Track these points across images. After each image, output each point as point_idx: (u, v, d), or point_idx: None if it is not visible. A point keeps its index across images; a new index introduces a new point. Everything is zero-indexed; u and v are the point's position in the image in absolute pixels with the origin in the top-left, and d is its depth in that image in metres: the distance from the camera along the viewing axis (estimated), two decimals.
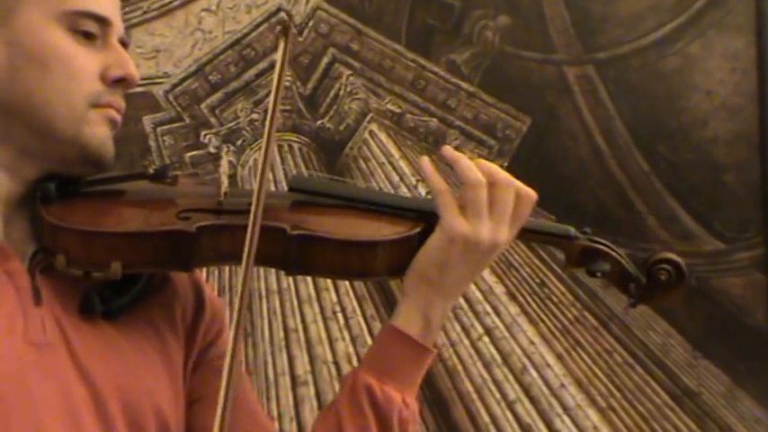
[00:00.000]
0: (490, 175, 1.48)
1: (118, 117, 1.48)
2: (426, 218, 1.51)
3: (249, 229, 1.36)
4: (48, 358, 1.37)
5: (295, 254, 1.45)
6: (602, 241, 1.58)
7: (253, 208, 1.37)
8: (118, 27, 1.49)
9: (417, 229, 1.50)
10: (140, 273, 1.47)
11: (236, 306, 1.35)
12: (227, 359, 1.30)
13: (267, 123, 1.43)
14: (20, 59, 1.42)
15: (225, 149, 2.85)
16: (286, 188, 1.56)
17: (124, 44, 1.50)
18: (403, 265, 1.50)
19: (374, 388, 1.46)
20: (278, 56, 1.46)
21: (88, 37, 1.45)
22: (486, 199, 1.47)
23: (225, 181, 1.51)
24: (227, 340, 1.56)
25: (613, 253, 1.58)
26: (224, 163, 1.53)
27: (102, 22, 1.46)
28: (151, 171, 1.50)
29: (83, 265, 1.41)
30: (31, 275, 1.42)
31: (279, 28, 1.48)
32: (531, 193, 1.50)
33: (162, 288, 1.53)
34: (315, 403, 2.81)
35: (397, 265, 1.49)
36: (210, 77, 2.92)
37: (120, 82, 1.47)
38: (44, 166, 1.45)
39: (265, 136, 1.43)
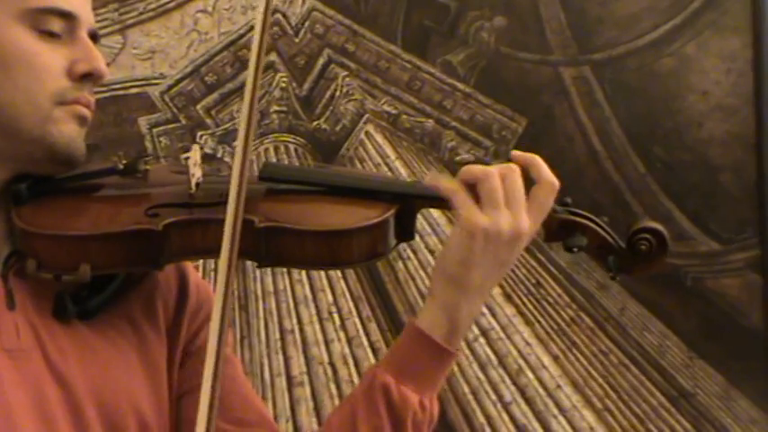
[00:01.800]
0: (496, 167, 1.46)
1: (87, 112, 1.45)
2: (400, 199, 1.49)
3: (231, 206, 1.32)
4: (22, 364, 1.36)
5: (264, 246, 1.43)
6: (583, 213, 1.53)
7: (233, 191, 1.34)
8: (86, 20, 1.46)
9: (390, 212, 1.47)
10: (111, 273, 1.45)
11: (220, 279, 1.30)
12: (212, 344, 1.28)
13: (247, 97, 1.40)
14: None
15: (220, 150, 2.85)
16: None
17: (95, 36, 1.48)
18: (378, 251, 1.47)
19: (391, 388, 1.44)
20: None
21: (53, 34, 1.42)
22: (501, 188, 1.44)
23: (197, 172, 1.48)
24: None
25: (593, 225, 1.53)
26: (194, 153, 1.49)
27: (67, 17, 1.43)
28: (121, 166, 1.47)
29: (52, 269, 1.40)
30: (4, 279, 1.40)
31: None
32: (553, 181, 1.47)
33: (143, 281, 1.51)
34: (311, 404, 2.81)
35: (372, 251, 1.47)
36: (206, 78, 2.92)
37: (88, 77, 1.44)
38: (14, 166, 1.43)
39: (245, 109, 1.39)
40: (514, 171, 1.46)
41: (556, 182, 1.48)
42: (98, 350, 1.43)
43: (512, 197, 1.44)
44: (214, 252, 1.34)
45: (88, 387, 1.40)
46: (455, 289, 1.45)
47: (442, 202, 1.50)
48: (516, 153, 1.49)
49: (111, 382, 1.42)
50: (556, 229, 1.52)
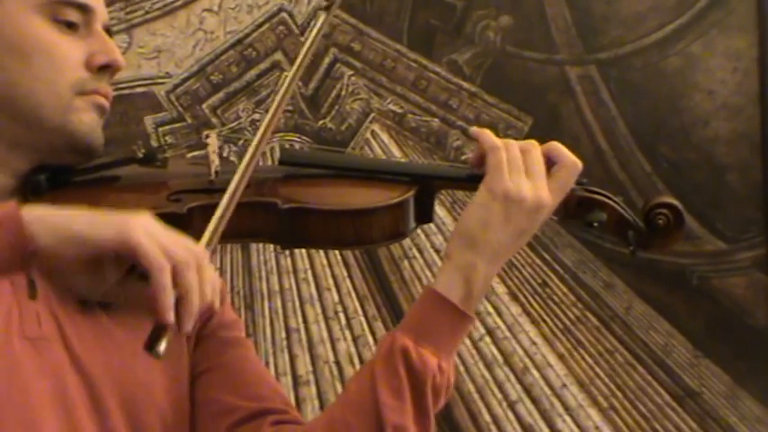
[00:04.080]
0: (515, 141, 1.49)
1: (105, 103, 1.47)
2: (419, 181, 1.51)
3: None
4: (43, 352, 1.37)
5: (288, 227, 1.44)
6: (600, 191, 1.55)
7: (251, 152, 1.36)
8: (101, 13, 1.48)
9: (410, 193, 1.49)
10: None
11: None
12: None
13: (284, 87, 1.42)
14: (2, 52, 1.42)
15: (226, 150, 2.85)
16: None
17: (108, 31, 1.50)
18: (399, 231, 1.49)
19: (410, 351, 1.44)
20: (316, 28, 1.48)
21: (70, 26, 1.45)
22: (522, 158, 1.46)
23: (215, 159, 1.49)
24: (230, 312, 1.60)
25: (611, 202, 1.54)
26: (212, 141, 1.50)
27: (85, 9, 1.46)
28: (140, 155, 1.49)
29: None
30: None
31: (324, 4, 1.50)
32: (576, 161, 1.50)
33: None
34: (316, 403, 2.81)
35: (393, 230, 1.49)
36: (212, 78, 2.92)
37: (106, 68, 1.46)
38: (34, 157, 1.45)
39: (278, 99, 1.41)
40: (536, 146, 1.49)
41: (579, 162, 1.50)
42: (119, 341, 1.44)
43: (533, 169, 1.46)
44: (234, 237, 1.35)
45: (109, 376, 1.41)
46: (472, 250, 1.46)
47: (460, 182, 1.54)
48: (534, 143, 1.51)
49: (131, 373, 1.43)
50: (574, 207, 1.53)
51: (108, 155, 1.49)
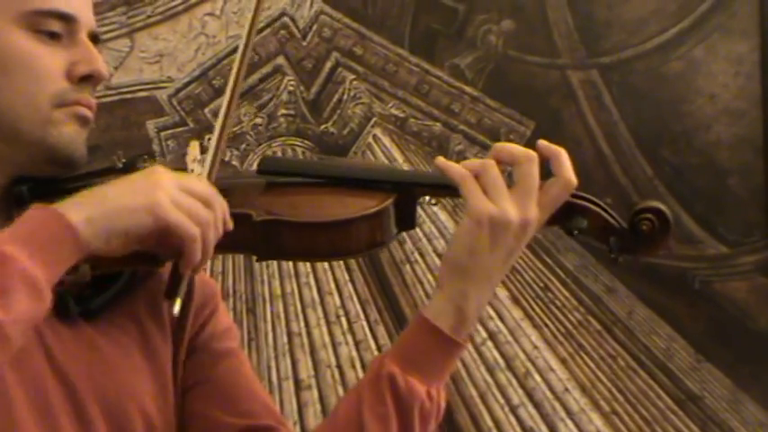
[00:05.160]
0: (510, 154, 1.44)
1: (88, 113, 1.44)
2: (399, 187, 1.49)
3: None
4: (24, 363, 1.34)
5: (263, 239, 1.44)
6: (583, 195, 1.50)
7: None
8: (86, 22, 1.45)
9: (389, 202, 1.47)
10: (113, 272, 1.45)
11: None
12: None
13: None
14: None
15: (227, 154, 2.85)
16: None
17: (95, 38, 1.47)
18: (378, 240, 1.47)
19: (397, 378, 1.43)
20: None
21: (53, 36, 1.42)
22: (501, 178, 1.43)
23: (195, 168, 1.47)
24: (223, 320, 1.57)
25: (593, 206, 1.49)
26: (192, 149, 1.49)
27: (67, 19, 1.42)
28: (120, 165, 1.47)
29: None
30: None
31: None
32: (571, 179, 1.45)
33: (146, 280, 1.50)
34: (318, 407, 2.81)
35: (371, 240, 1.47)
36: (214, 82, 2.93)
37: (88, 79, 1.43)
38: (14, 170, 1.42)
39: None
40: (532, 159, 1.44)
41: (574, 180, 1.46)
42: (102, 350, 1.43)
43: (524, 184, 1.43)
44: (216, 249, 1.35)
45: (92, 386, 1.40)
46: (462, 278, 1.44)
47: (440, 189, 1.50)
48: (543, 143, 1.48)
49: (115, 381, 1.42)
50: (554, 213, 1.48)
51: (91, 164, 1.48)
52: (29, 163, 1.43)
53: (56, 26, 1.42)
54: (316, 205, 1.47)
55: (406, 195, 1.49)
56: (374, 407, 1.43)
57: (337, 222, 1.45)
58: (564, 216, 1.49)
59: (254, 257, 1.50)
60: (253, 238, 1.43)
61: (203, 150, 1.47)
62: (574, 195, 1.49)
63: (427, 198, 1.53)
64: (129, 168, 1.46)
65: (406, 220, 1.52)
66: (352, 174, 1.52)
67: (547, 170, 1.46)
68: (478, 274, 1.44)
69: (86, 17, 1.46)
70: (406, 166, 2.90)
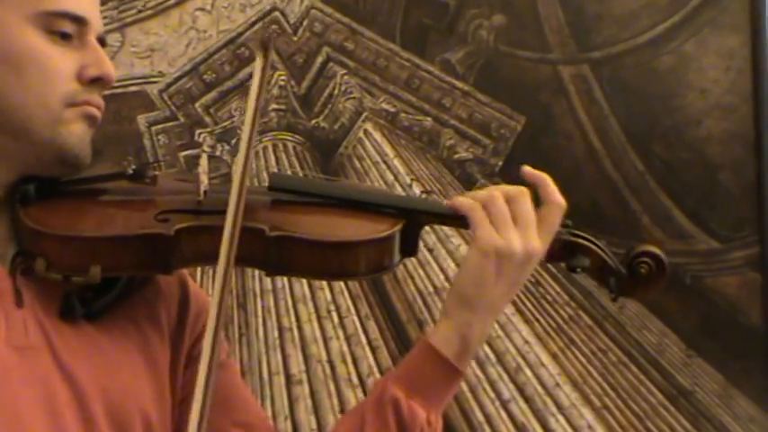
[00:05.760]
0: (504, 193, 1.49)
1: (97, 113, 1.46)
2: (407, 214, 1.51)
3: (227, 231, 1.34)
4: (30, 361, 1.37)
5: (274, 255, 1.44)
6: (584, 235, 1.56)
7: (231, 212, 1.35)
8: (96, 25, 1.47)
9: (398, 227, 1.49)
10: (119, 275, 1.46)
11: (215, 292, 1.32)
12: (205, 355, 1.29)
13: (244, 141, 1.41)
14: None
15: (219, 148, 2.85)
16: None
17: (102, 42, 1.49)
18: (385, 265, 1.50)
19: (401, 402, 1.47)
20: (255, 73, 1.43)
21: (64, 37, 1.43)
22: (507, 209, 1.48)
23: (204, 180, 1.50)
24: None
25: (594, 247, 1.56)
26: (203, 161, 1.51)
27: (79, 21, 1.44)
28: (130, 171, 1.48)
29: (62, 270, 1.41)
30: (12, 277, 1.41)
31: (266, 35, 1.48)
32: (561, 202, 1.52)
33: (145, 286, 1.52)
34: (309, 402, 2.81)
35: (378, 264, 1.49)
36: (205, 76, 2.92)
37: (97, 81, 1.45)
38: (21, 168, 1.44)
39: (243, 149, 1.40)
40: (524, 194, 1.50)
41: (563, 203, 1.53)
42: (105, 350, 1.44)
43: (523, 219, 1.48)
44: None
45: (96, 385, 1.41)
46: (468, 309, 1.49)
47: (447, 219, 1.54)
48: (527, 169, 1.54)
49: (118, 381, 1.44)
50: (558, 250, 1.55)
51: (98, 167, 1.48)
52: (36, 162, 1.44)
53: (68, 27, 1.44)
54: (327, 225, 1.48)
55: (413, 222, 1.52)
56: (377, 429, 1.47)
57: (350, 243, 1.47)
58: (566, 254, 1.55)
59: (264, 272, 1.50)
60: (263, 253, 1.44)
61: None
62: (575, 234, 1.56)
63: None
64: (139, 175, 1.48)
65: (410, 248, 1.54)
66: (361, 197, 1.54)
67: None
68: (483, 305, 1.49)
69: (96, 21, 1.48)
70: (396, 161, 2.90)
